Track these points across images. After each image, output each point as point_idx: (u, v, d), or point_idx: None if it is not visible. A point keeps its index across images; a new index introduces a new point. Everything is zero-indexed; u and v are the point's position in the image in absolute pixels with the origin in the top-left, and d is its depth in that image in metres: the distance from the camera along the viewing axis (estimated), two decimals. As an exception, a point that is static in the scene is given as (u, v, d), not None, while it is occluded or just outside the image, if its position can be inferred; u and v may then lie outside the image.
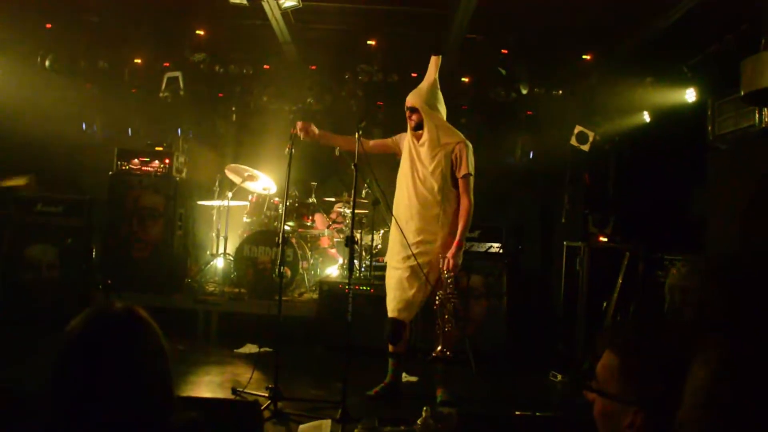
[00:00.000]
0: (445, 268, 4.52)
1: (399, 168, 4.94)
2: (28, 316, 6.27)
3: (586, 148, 7.14)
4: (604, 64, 7.46)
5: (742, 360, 1.18)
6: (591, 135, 7.10)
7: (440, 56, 4.91)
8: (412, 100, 4.73)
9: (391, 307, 4.70)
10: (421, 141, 4.70)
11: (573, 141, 7.22)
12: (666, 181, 6.80)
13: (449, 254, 4.53)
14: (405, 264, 4.63)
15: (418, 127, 4.70)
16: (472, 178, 4.66)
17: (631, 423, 1.38)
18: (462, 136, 4.74)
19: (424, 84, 4.80)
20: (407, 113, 4.76)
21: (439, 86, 4.81)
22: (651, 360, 1.41)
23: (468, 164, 4.63)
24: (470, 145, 4.71)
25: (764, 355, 1.17)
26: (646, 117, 7.25)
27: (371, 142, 5.05)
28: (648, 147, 7.14)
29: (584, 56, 7.56)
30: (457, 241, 4.56)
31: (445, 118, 4.80)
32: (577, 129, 7.20)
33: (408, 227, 4.67)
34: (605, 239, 6.65)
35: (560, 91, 8.04)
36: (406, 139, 4.88)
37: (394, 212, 4.79)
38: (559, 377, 5.63)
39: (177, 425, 1.55)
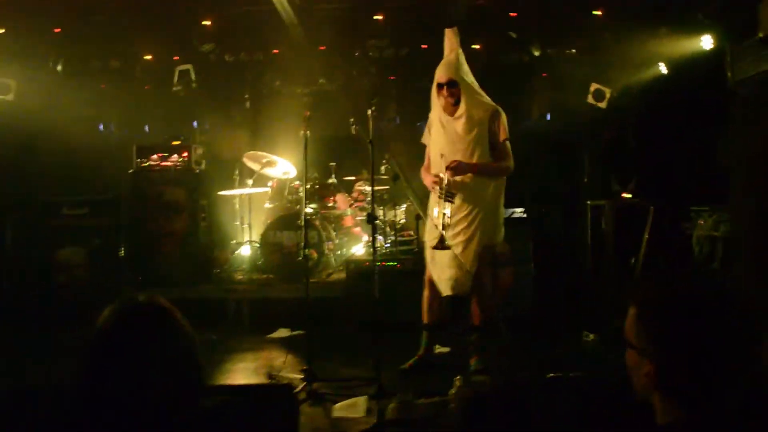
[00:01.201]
0: (446, 172, 4.52)
1: (431, 147, 4.90)
2: (63, 317, 6.39)
3: (603, 105, 7.07)
4: (615, 19, 7.32)
5: None
6: (607, 92, 7.02)
7: (455, 27, 4.84)
8: (447, 74, 4.61)
9: (449, 286, 4.69)
10: (456, 115, 4.62)
11: (590, 99, 7.15)
12: (687, 132, 6.70)
13: (460, 163, 4.53)
14: (456, 240, 4.60)
15: (457, 101, 4.61)
16: (509, 144, 4.67)
17: (647, 372, 1.40)
18: (493, 103, 4.73)
19: (452, 56, 4.72)
20: (442, 90, 4.63)
21: (463, 55, 4.75)
22: (662, 310, 1.41)
23: (505, 130, 4.64)
24: (502, 111, 4.70)
25: None
26: (663, 69, 7.13)
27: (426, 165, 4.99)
28: (667, 99, 7.03)
29: (595, 12, 7.42)
30: (475, 164, 4.56)
31: (476, 84, 4.76)
32: (593, 87, 7.12)
33: (454, 208, 4.63)
34: (629, 196, 6.60)
35: (573, 50, 7.92)
36: (435, 120, 4.81)
37: (434, 195, 4.75)
38: (591, 336, 5.62)
39: (206, 409, 1.60)
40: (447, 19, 7.67)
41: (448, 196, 4.51)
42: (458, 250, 4.59)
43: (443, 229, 4.52)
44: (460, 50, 4.75)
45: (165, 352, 1.54)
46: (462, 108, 4.59)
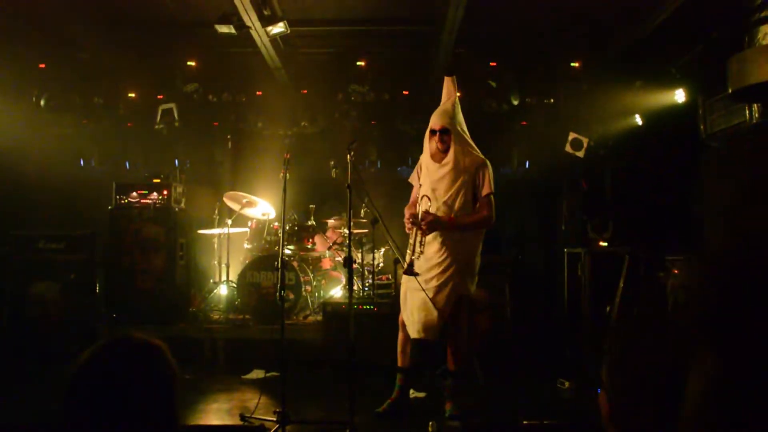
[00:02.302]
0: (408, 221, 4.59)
1: (417, 188, 4.95)
2: (34, 352, 6.29)
3: (581, 154, 7.17)
4: (592, 71, 7.52)
5: (734, 382, 1.21)
6: (585, 141, 7.13)
7: (454, 75, 4.92)
8: (441, 121, 4.68)
9: (416, 329, 4.70)
10: (443, 162, 4.68)
11: (568, 148, 7.26)
12: (662, 182, 6.83)
13: (432, 217, 4.57)
14: (428, 285, 4.63)
15: (446, 149, 4.68)
16: (493, 197, 4.70)
17: (605, 412, 1.43)
18: (482, 155, 4.78)
19: (448, 104, 4.79)
20: (436, 136, 4.69)
21: (459, 105, 4.83)
22: (614, 354, 1.46)
23: (490, 183, 4.68)
24: (490, 165, 4.75)
25: (757, 376, 1.20)
26: (639, 120, 7.29)
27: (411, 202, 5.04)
28: (643, 149, 7.18)
29: (573, 64, 7.61)
30: (451, 219, 4.59)
31: (467, 134, 4.84)
32: (572, 136, 7.23)
33: (429, 249, 4.68)
34: (605, 244, 6.67)
35: (552, 100, 8.08)
36: (424, 162, 4.87)
37: (412, 235, 4.78)
38: (567, 384, 5.63)
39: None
40: (430, 66, 7.88)
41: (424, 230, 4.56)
42: (430, 294, 4.61)
43: (415, 255, 4.57)
44: (457, 99, 4.83)
45: (152, 392, 1.56)
46: (450, 156, 4.65)
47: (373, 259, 7.30)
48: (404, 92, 8.40)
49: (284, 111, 8.68)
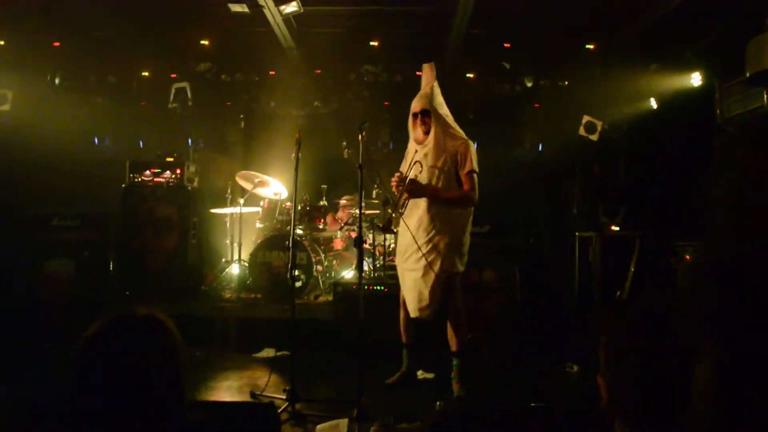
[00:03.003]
0: (395, 181, 4.66)
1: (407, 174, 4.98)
2: (47, 330, 6.34)
3: (594, 137, 7.13)
4: (607, 54, 7.44)
5: (740, 373, 1.21)
6: (599, 124, 7.09)
7: (433, 62, 5.00)
8: (420, 104, 4.80)
9: (413, 308, 4.80)
10: (425, 143, 4.78)
11: (581, 131, 7.21)
12: (676, 167, 6.78)
13: (416, 183, 4.65)
14: (418, 265, 4.73)
15: (428, 131, 4.76)
16: (476, 176, 4.74)
17: (604, 396, 1.44)
18: (464, 135, 4.85)
19: (427, 89, 4.88)
20: (417, 119, 4.80)
21: (439, 89, 4.90)
22: (611, 337, 1.46)
23: (471, 162, 4.72)
24: (472, 144, 4.81)
25: (759, 368, 1.20)
26: (653, 104, 7.22)
27: None
28: (656, 134, 7.12)
29: (588, 46, 7.53)
30: (433, 189, 4.67)
31: (450, 117, 4.88)
32: (585, 119, 7.19)
33: (419, 229, 4.76)
34: (617, 228, 6.64)
35: (566, 82, 8.02)
36: (410, 149, 4.97)
37: (404, 217, 4.86)
38: (575, 368, 5.64)
39: (190, 424, 1.63)
40: (439, 45, 7.84)
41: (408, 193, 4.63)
42: (418, 274, 4.71)
43: (395, 211, 4.62)
44: (436, 84, 4.91)
45: (156, 365, 1.58)
46: (431, 137, 4.75)
47: (385, 239, 7.31)
48: (417, 73, 8.33)
49: (297, 91, 8.68)
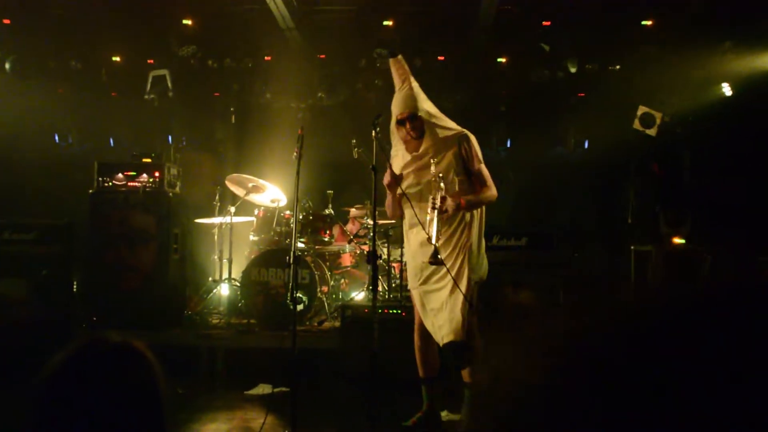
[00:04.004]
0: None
1: (405, 189, 4.98)
2: None
3: (652, 132, 7.07)
4: (669, 31, 7.38)
5: None
6: (658, 116, 7.02)
7: (400, 56, 4.99)
8: (406, 108, 4.74)
9: (445, 332, 4.71)
10: (422, 150, 4.76)
11: (636, 125, 7.16)
12: (755, 166, 6.69)
13: (450, 199, 4.56)
14: (444, 281, 4.71)
15: (420, 135, 4.74)
16: (484, 167, 4.78)
17: None
18: (457, 126, 4.86)
19: (405, 88, 4.86)
20: (404, 126, 4.73)
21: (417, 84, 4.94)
22: None
23: (477, 154, 4.76)
24: (471, 135, 4.82)
25: None
26: (727, 90, 7.15)
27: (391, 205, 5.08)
28: (731, 126, 7.04)
29: (644, 22, 7.47)
30: (462, 202, 4.62)
31: (437, 111, 4.90)
32: (641, 110, 7.13)
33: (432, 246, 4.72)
34: (681, 241, 6.56)
35: (617, 66, 7.96)
36: (398, 157, 4.92)
37: (413, 237, 4.89)
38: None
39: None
40: (471, 26, 7.79)
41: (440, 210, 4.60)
42: (445, 292, 4.69)
43: (436, 241, 4.60)
44: (412, 79, 4.89)
45: (134, 405, 1.52)
46: (427, 141, 4.73)
47: (401, 254, 7.25)
48: (439, 57, 8.33)
49: (297, 80, 8.67)
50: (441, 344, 4.75)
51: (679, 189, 7.34)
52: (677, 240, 6.57)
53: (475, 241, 4.77)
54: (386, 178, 4.80)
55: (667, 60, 7.39)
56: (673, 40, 7.34)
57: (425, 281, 4.82)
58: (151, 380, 1.57)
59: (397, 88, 4.94)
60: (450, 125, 4.85)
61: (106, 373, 1.51)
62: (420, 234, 4.79)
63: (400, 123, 4.75)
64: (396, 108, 4.78)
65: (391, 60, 5.01)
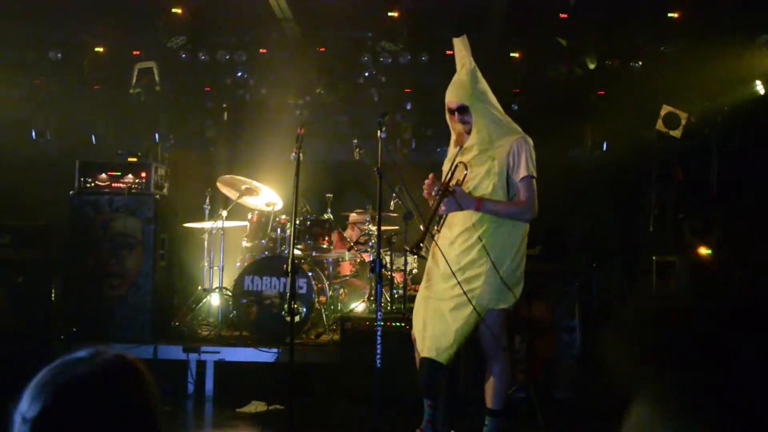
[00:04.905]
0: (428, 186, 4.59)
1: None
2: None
3: (677, 134, 7.08)
4: (696, 23, 7.38)
5: None
6: (683, 117, 7.04)
7: (464, 35, 4.93)
8: (456, 97, 4.69)
9: (427, 345, 4.69)
10: (467, 145, 4.71)
11: (660, 125, 7.17)
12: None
13: (459, 189, 4.55)
14: (449, 294, 4.66)
15: (470, 129, 4.68)
16: (534, 181, 4.67)
17: None
18: (520, 129, 4.77)
19: (462, 73, 4.79)
20: (454, 116, 4.71)
21: (478, 69, 4.81)
22: None
23: (528, 164, 4.63)
24: (530, 141, 4.72)
25: None
26: (760, 88, 7.15)
27: None
28: (763, 128, 7.03)
29: (670, 14, 7.48)
30: (478, 199, 4.57)
31: (498, 106, 4.82)
32: (665, 110, 7.15)
33: (450, 252, 4.69)
34: (708, 251, 6.57)
35: (639, 63, 7.96)
36: (451, 149, 4.91)
37: (439, 236, 4.81)
38: (658, 431, 5.51)
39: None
40: (481, 19, 7.81)
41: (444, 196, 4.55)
42: (448, 306, 4.63)
43: (429, 227, 4.57)
44: (472, 64, 4.81)
45: (127, 426, 1.52)
46: (474, 137, 4.66)
47: (405, 263, 7.25)
48: (448, 52, 8.33)
49: (295, 74, 8.67)
50: (421, 355, 4.72)
51: (704, 195, 7.33)
52: (703, 250, 6.57)
53: (502, 261, 4.63)
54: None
55: (695, 55, 7.36)
56: (701, 33, 7.32)
57: (431, 286, 4.80)
58: (146, 398, 1.57)
59: (457, 70, 4.87)
60: (510, 125, 4.77)
61: (101, 391, 1.50)
62: (445, 233, 4.75)
63: (450, 113, 4.72)
64: (448, 94, 4.73)
65: (455, 39, 4.92)
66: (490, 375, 4.77)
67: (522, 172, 4.60)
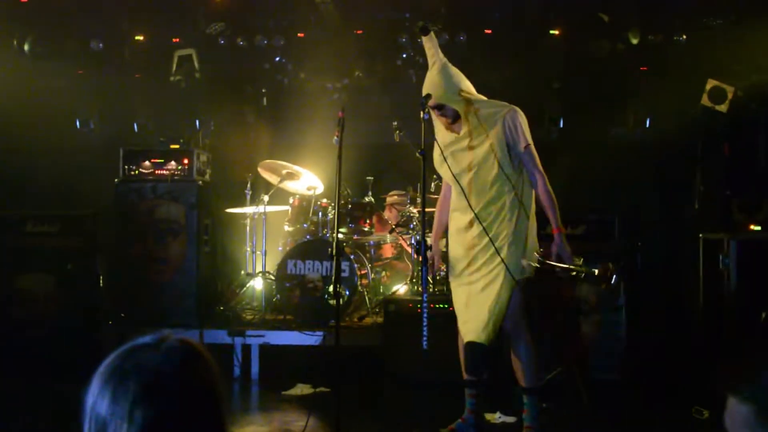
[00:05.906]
0: (555, 262, 4.68)
1: (445, 175, 5.06)
2: (23, 362, 6.37)
3: (723, 108, 6.98)
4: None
5: None
6: (730, 91, 6.93)
7: (431, 33, 5.03)
8: (434, 95, 4.75)
9: (466, 329, 4.79)
10: (463, 133, 4.80)
11: (705, 100, 7.06)
12: None
13: (554, 248, 4.67)
14: (475, 276, 4.77)
15: (456, 118, 4.79)
16: (532, 147, 4.76)
17: None
18: (503, 103, 4.85)
19: (433, 72, 4.89)
20: (434, 113, 4.81)
21: (449, 63, 4.90)
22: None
23: (524, 133, 4.73)
24: (519, 110, 4.81)
25: None
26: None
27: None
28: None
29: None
30: (556, 229, 4.71)
31: (473, 90, 4.88)
32: (710, 84, 7.04)
33: (468, 235, 4.81)
34: (758, 228, 6.47)
35: (683, 36, 7.82)
36: (440, 136, 4.96)
37: (453, 222, 4.99)
38: (705, 413, 5.44)
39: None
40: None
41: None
42: (478, 286, 4.74)
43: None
44: (443, 60, 4.89)
45: (197, 406, 1.57)
46: (467, 124, 4.76)
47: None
48: (486, 31, 8.27)
49: (333, 57, 8.64)
50: (465, 340, 4.79)
51: (753, 171, 7.21)
52: (753, 227, 6.47)
53: (520, 235, 4.75)
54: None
55: (742, 26, 7.22)
56: (750, 4, 7.19)
57: (459, 274, 4.90)
58: (211, 380, 1.61)
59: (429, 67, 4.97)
60: (493, 103, 4.85)
61: (173, 373, 1.55)
62: (458, 220, 4.89)
63: (431, 109, 4.78)
64: (424, 91, 4.81)
65: (423, 37, 5.03)
66: (517, 354, 4.85)
67: (522, 143, 4.71)
